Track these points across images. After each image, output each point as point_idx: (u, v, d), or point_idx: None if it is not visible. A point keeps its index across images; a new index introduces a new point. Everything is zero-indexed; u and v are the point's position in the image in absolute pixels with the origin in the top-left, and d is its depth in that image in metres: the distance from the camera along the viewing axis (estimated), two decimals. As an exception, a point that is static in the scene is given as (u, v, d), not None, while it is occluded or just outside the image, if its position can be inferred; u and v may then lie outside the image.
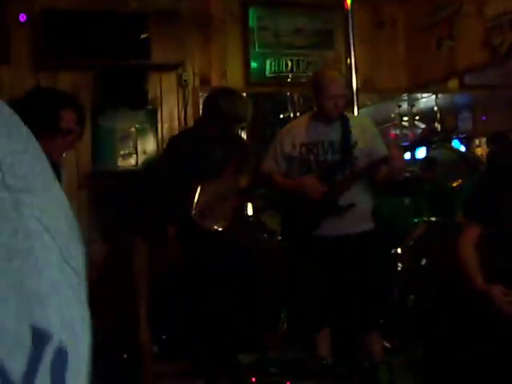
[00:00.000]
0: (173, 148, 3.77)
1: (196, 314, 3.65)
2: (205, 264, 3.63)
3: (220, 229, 3.72)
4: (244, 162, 3.84)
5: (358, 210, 3.35)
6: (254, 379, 2.95)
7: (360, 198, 3.38)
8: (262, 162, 3.61)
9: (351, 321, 3.42)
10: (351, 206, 3.33)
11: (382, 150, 3.43)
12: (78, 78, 4.78)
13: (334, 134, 3.40)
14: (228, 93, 3.84)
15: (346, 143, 3.38)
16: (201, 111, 4.28)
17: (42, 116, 2.28)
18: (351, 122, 3.44)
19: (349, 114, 3.57)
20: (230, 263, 3.80)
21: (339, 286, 3.39)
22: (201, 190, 3.65)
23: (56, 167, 2.50)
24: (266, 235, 5.18)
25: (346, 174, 3.36)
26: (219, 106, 3.56)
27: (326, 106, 3.35)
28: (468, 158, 6.43)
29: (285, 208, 3.59)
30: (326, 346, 3.45)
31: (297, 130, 3.49)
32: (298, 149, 3.42)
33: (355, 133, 3.41)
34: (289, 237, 3.71)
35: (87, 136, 4.78)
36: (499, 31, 4.28)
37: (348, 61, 4.95)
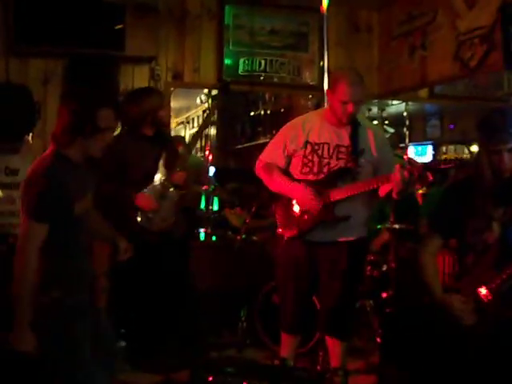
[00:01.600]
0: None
1: (145, 311, 3.65)
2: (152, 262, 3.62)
3: (168, 226, 3.72)
4: (173, 158, 3.77)
5: (353, 220, 3.27)
6: (210, 378, 2.95)
7: (357, 209, 3.28)
8: (263, 151, 3.47)
9: (326, 325, 3.40)
10: (346, 218, 3.24)
11: (389, 164, 3.26)
12: (49, 66, 4.72)
13: (342, 137, 3.28)
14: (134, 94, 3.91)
15: (353, 149, 3.25)
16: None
17: (80, 118, 2.45)
18: (362, 128, 3.31)
19: (361, 119, 3.41)
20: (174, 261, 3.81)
21: (321, 290, 3.36)
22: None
23: (96, 164, 2.62)
24: (230, 233, 5.20)
25: (347, 184, 3.23)
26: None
27: (338, 110, 3.22)
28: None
29: (277, 208, 3.46)
30: (292, 349, 3.45)
31: (306, 127, 3.34)
32: (303, 147, 3.31)
33: (364, 140, 3.28)
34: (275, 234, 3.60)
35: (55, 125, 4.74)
36: (470, 45, 4.34)
37: (321, 63, 4.99)
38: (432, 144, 9.35)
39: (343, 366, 3.39)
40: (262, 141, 7.24)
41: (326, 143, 3.28)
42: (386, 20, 5.38)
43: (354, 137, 3.26)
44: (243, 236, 4.61)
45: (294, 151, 3.34)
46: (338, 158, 3.26)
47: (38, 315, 2.40)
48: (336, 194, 3.22)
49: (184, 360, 3.46)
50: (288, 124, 3.48)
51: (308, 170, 3.30)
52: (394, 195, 3.09)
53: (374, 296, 4.24)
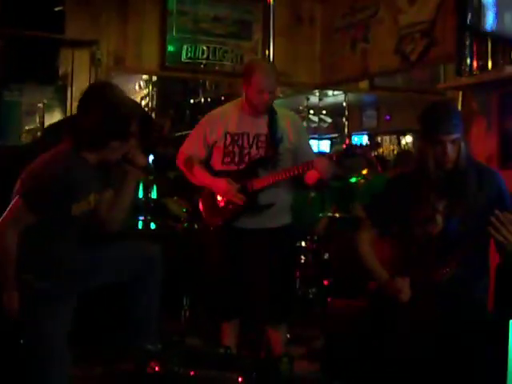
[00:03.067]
0: None
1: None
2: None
3: None
4: None
5: (277, 207, 3.34)
6: (157, 368, 2.93)
7: (280, 196, 3.35)
8: (183, 143, 3.48)
9: (262, 312, 3.43)
10: (270, 205, 3.30)
11: (308, 151, 3.40)
12: (-16, 47, 4.56)
13: (260, 126, 3.33)
14: None
15: (272, 138, 3.31)
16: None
17: (120, 124, 2.61)
18: (279, 116, 3.37)
19: (277, 108, 3.45)
20: None
21: (252, 277, 3.38)
22: None
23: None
24: (170, 221, 5.16)
25: (268, 171, 3.30)
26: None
27: (254, 100, 3.27)
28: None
29: (201, 198, 3.50)
30: (234, 336, 3.48)
31: (223, 118, 3.37)
32: (222, 138, 3.34)
33: (282, 128, 3.35)
34: (202, 223, 3.64)
35: (-10, 108, 4.59)
36: (411, 39, 4.45)
37: (267, 52, 5.02)
38: (368, 134, 9.57)
39: (287, 353, 3.43)
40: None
41: (246, 133, 3.34)
42: (328, 12, 5.44)
43: (272, 125, 3.33)
44: (185, 224, 4.59)
45: (214, 142, 3.38)
46: (257, 147, 3.33)
47: None
48: (257, 183, 3.29)
49: (127, 350, 3.41)
50: (206, 116, 3.54)
51: (229, 160, 3.35)
52: (325, 183, 3.20)
53: (316, 284, 4.31)
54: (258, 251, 3.36)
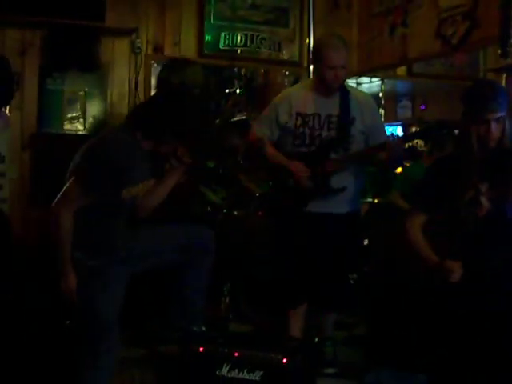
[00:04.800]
0: None
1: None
2: None
3: None
4: None
5: (348, 192, 3.26)
6: (201, 349, 2.94)
7: (351, 180, 3.27)
8: (253, 126, 3.45)
9: (323, 299, 3.37)
10: (343, 189, 3.23)
11: (381, 133, 3.29)
12: (27, 36, 4.60)
13: (332, 107, 3.25)
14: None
15: (344, 119, 3.22)
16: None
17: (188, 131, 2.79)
18: (351, 97, 3.28)
19: (350, 87, 3.39)
20: None
21: (318, 263, 3.31)
22: None
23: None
24: (209, 209, 5.18)
25: (340, 156, 3.22)
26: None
27: (326, 77, 3.18)
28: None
29: (272, 181, 3.45)
30: (300, 323, 3.41)
31: (294, 99, 3.31)
32: (293, 119, 3.27)
33: (355, 108, 3.25)
34: (272, 210, 3.59)
35: (33, 97, 4.66)
36: (452, 22, 4.38)
37: (307, 40, 5.00)
38: (402, 125, 9.46)
39: (332, 337, 3.43)
40: (237, 118, 7.20)
41: (317, 114, 3.26)
42: (365, -3, 5.39)
43: (345, 105, 3.24)
44: (224, 211, 4.61)
45: (285, 123, 3.31)
46: (329, 129, 3.24)
47: None
48: (329, 166, 3.21)
49: (172, 332, 3.44)
50: (277, 97, 3.47)
51: (300, 142, 3.28)
52: (388, 165, 3.11)
53: (357, 269, 4.28)
54: (326, 237, 3.28)
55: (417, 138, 3.17)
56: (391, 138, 3.19)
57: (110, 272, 2.72)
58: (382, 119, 3.56)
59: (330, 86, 3.22)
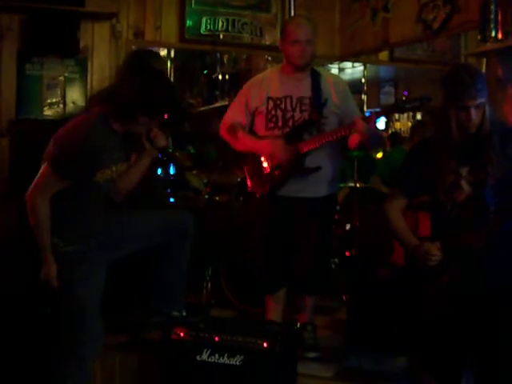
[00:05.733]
0: None
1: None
2: None
3: None
4: None
5: (324, 174, 3.24)
6: (182, 334, 2.95)
7: (327, 162, 3.25)
8: (226, 112, 3.43)
9: (301, 282, 3.36)
10: (317, 168, 3.21)
11: (354, 113, 3.27)
12: (4, 21, 4.54)
13: (303, 89, 3.24)
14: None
15: (316, 100, 3.21)
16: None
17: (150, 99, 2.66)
18: (323, 78, 3.27)
19: (321, 70, 3.38)
20: None
21: (295, 248, 3.31)
22: None
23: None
24: (191, 193, 5.18)
25: (313, 135, 3.21)
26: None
27: (291, 53, 3.19)
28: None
29: (245, 166, 3.43)
30: (280, 307, 3.41)
31: (265, 83, 3.31)
32: (265, 103, 3.27)
33: (326, 90, 3.25)
34: (248, 195, 3.58)
35: (12, 82, 4.60)
36: (433, 7, 4.39)
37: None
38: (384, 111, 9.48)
39: (312, 322, 3.44)
40: (219, 104, 7.19)
41: (288, 96, 3.25)
42: (347, -18, 5.38)
43: (316, 87, 3.23)
44: (206, 196, 4.60)
45: (256, 108, 3.31)
46: (301, 111, 3.24)
47: None
48: (304, 146, 3.21)
49: (153, 317, 3.44)
50: (248, 82, 3.47)
51: (273, 125, 3.28)
52: (367, 146, 3.11)
53: (338, 254, 4.30)
54: (304, 221, 3.28)
55: (390, 113, 3.14)
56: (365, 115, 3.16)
57: (88, 257, 2.71)
58: (355, 99, 3.53)
59: (296, 62, 3.22)
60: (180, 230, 3.00)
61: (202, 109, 7.77)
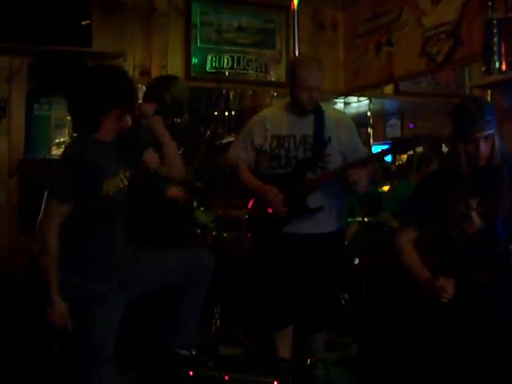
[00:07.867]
0: None
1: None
2: None
3: None
4: None
5: (328, 211, 3.21)
6: (191, 373, 2.91)
7: (330, 199, 3.22)
8: (229, 150, 3.40)
9: (309, 319, 3.32)
10: (320, 208, 3.18)
11: (359, 150, 3.24)
12: (14, 63, 4.61)
13: (307, 127, 3.21)
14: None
15: (319, 138, 3.19)
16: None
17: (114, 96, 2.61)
18: (326, 115, 3.25)
19: (325, 106, 3.35)
20: None
21: (302, 284, 3.26)
22: None
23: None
24: (198, 230, 5.16)
25: (316, 174, 3.19)
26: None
27: (300, 98, 3.16)
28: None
29: (252, 203, 3.39)
30: (288, 344, 3.36)
31: (269, 121, 3.28)
32: (269, 141, 3.25)
33: (330, 127, 3.22)
34: (254, 231, 3.56)
35: (20, 123, 4.65)
36: (436, 41, 4.42)
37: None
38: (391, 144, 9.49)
39: (323, 358, 3.39)
40: (226, 140, 7.20)
41: (292, 135, 3.23)
42: (350, 18, 5.44)
43: (319, 125, 3.21)
44: (214, 233, 4.59)
45: (260, 146, 3.29)
46: (305, 150, 3.22)
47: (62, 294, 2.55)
48: (306, 185, 3.18)
49: (162, 354, 3.40)
50: (252, 119, 3.45)
51: (276, 163, 3.26)
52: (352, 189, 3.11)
53: (348, 289, 4.26)
54: (308, 258, 3.23)
55: (391, 154, 3.15)
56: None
57: (110, 298, 2.62)
58: (368, 138, 3.54)
59: (306, 108, 3.20)
60: (199, 268, 2.96)
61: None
